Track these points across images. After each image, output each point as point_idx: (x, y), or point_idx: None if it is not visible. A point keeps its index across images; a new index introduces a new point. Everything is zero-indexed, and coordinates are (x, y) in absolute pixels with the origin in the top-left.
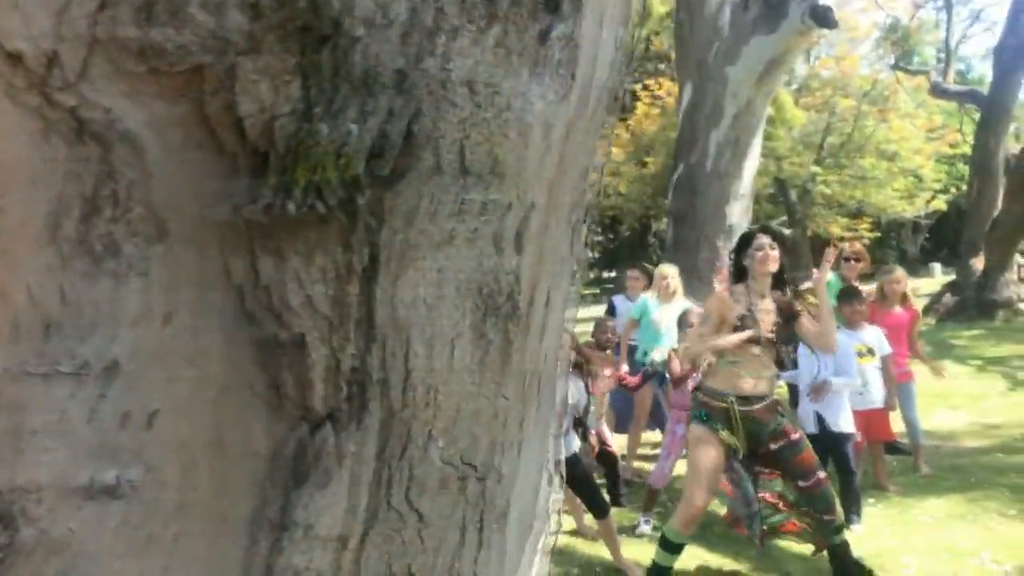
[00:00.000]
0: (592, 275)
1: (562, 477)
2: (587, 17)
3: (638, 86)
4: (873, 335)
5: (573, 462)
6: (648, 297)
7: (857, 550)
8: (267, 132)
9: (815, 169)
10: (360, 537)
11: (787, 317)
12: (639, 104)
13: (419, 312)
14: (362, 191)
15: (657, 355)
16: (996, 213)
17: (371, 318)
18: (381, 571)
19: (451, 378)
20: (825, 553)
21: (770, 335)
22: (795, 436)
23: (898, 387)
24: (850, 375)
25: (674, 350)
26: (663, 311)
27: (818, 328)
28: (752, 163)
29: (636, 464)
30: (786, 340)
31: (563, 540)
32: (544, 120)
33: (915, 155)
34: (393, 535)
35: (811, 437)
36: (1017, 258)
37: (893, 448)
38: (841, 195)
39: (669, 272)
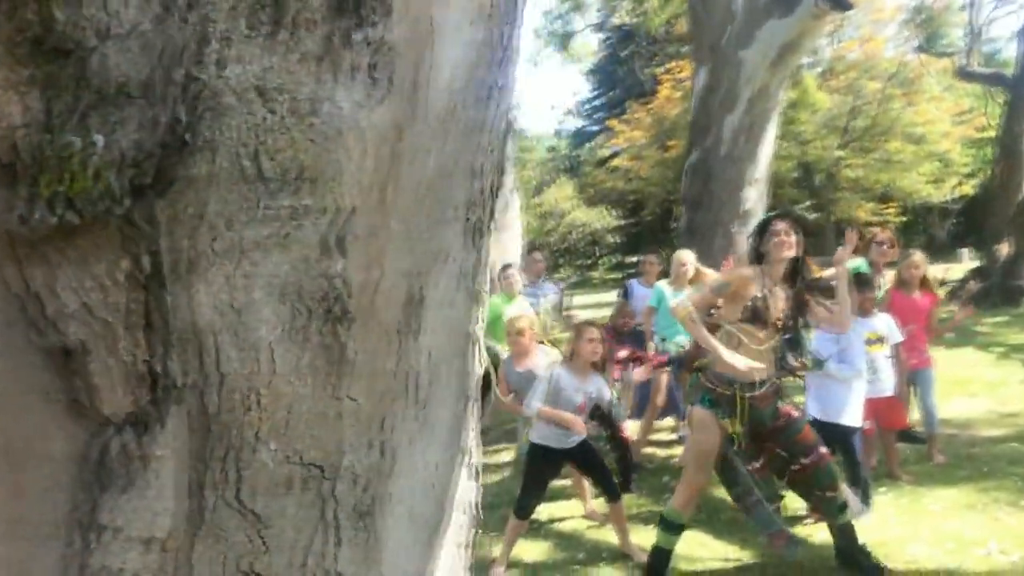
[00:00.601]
0: (615, 260)
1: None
2: (407, 21)
3: (660, 69)
4: (884, 323)
5: (587, 447)
6: (663, 284)
7: (864, 538)
8: (11, 144)
9: (840, 153)
10: (190, 537)
11: (799, 306)
12: (661, 87)
13: (227, 317)
14: (119, 201)
15: (672, 346)
16: (1022, 197)
17: (166, 324)
18: (217, 571)
19: (275, 380)
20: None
21: (778, 322)
22: (795, 415)
23: (917, 374)
24: (854, 365)
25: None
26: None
27: (830, 313)
28: (767, 148)
29: (647, 450)
30: (794, 344)
31: (570, 525)
32: (357, 125)
33: (942, 139)
34: (226, 535)
35: (814, 424)
36: None
37: (907, 436)
38: (867, 179)
39: (687, 259)
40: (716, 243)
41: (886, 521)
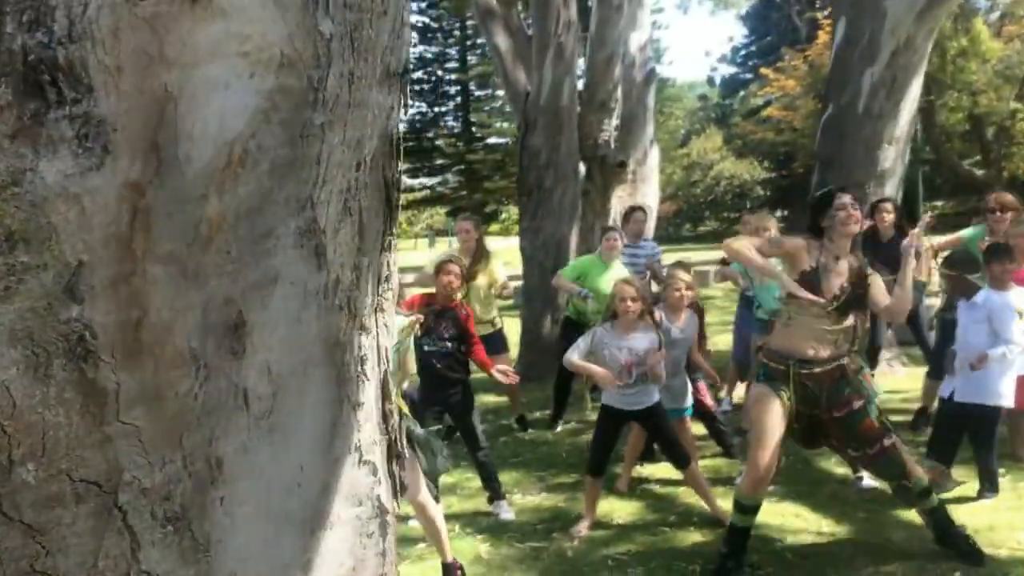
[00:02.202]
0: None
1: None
2: (120, 94)
3: (820, 14)
4: (1021, 296)
5: (654, 411)
6: None
7: (971, 521)
8: None
9: (1016, 105)
10: None
11: (858, 283)
12: (820, 33)
13: None
14: None
15: (762, 312)
16: None
17: None
18: None
19: (18, 412)
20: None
21: (834, 299)
22: (857, 405)
23: None
24: (1007, 339)
25: None
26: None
27: (889, 299)
28: (910, 105)
29: None
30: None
31: (663, 489)
32: (66, 191)
33: None
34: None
35: (954, 407)
36: None
37: None
38: None
39: (769, 224)
40: None
41: (997, 506)
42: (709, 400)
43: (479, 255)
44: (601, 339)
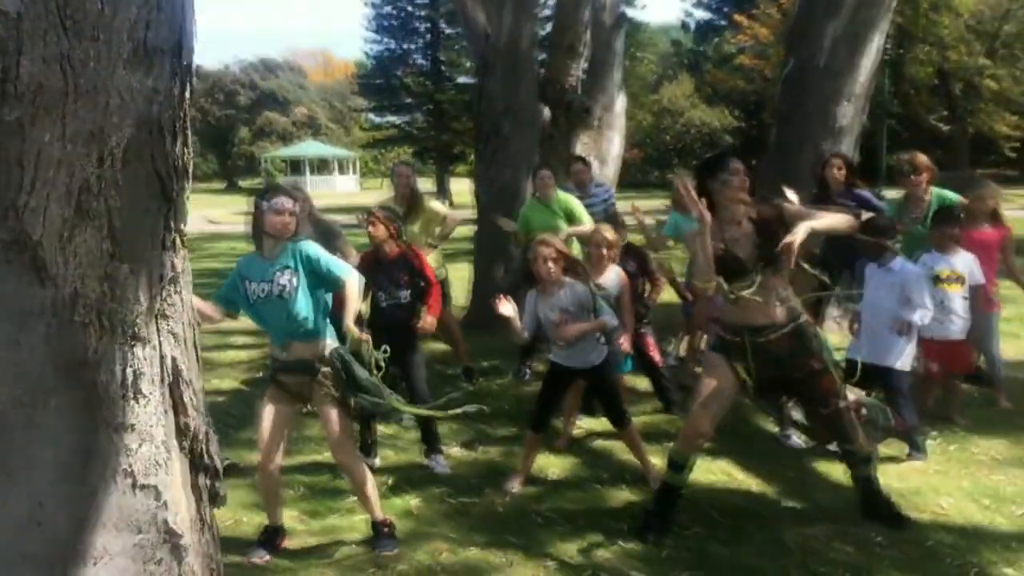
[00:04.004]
0: None
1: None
2: None
3: None
4: (965, 262)
5: (600, 370)
6: (677, 212)
7: (900, 484)
8: None
9: (985, 61)
10: None
11: (769, 231)
12: None
13: None
14: None
15: None
16: None
17: None
18: None
19: None
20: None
21: (758, 259)
22: (816, 366)
23: (980, 316)
24: (923, 305)
25: None
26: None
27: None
28: (870, 61)
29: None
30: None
31: (599, 445)
32: None
33: None
34: None
35: (859, 367)
36: None
37: (976, 378)
38: (1012, 91)
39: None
40: (804, 160)
41: (925, 469)
42: (656, 354)
43: (414, 201)
44: (533, 304)
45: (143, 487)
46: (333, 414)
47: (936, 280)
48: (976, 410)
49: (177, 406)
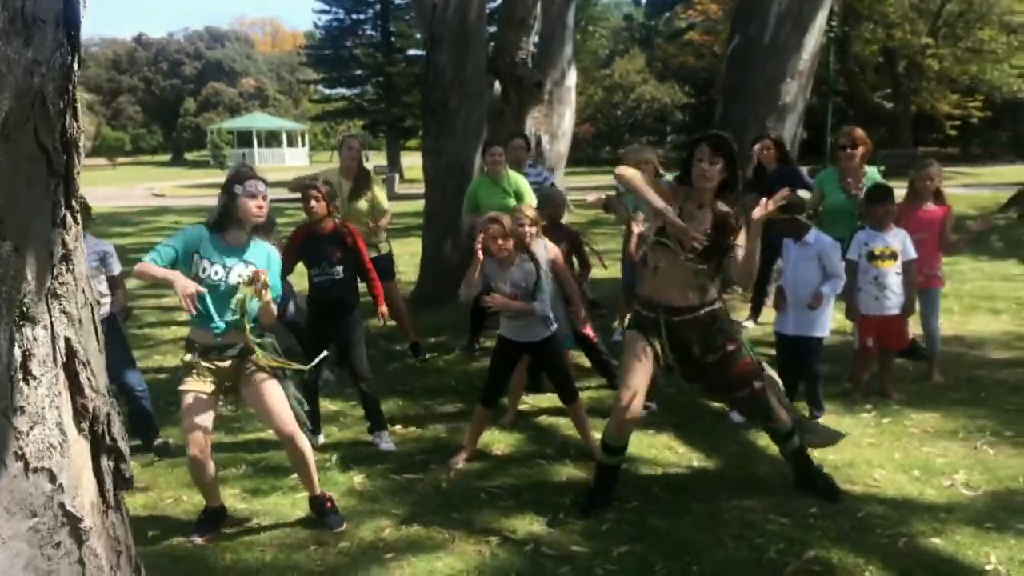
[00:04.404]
0: (682, 138)
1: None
2: None
3: None
4: (899, 238)
5: (548, 345)
6: None
7: (834, 457)
8: None
9: (927, 40)
10: None
11: (721, 230)
12: None
13: None
14: None
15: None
16: None
17: None
18: None
19: None
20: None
21: (698, 244)
22: (731, 348)
23: (923, 292)
24: (837, 275)
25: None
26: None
27: (741, 266)
28: (814, 39)
29: None
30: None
31: (545, 421)
32: None
33: None
34: None
35: (788, 340)
36: None
37: (910, 352)
38: (953, 70)
39: (650, 157)
40: (748, 137)
41: (859, 442)
42: (590, 331)
43: (361, 176)
44: (488, 272)
45: (36, 470)
46: (269, 386)
47: (871, 257)
48: (910, 385)
49: (74, 387)
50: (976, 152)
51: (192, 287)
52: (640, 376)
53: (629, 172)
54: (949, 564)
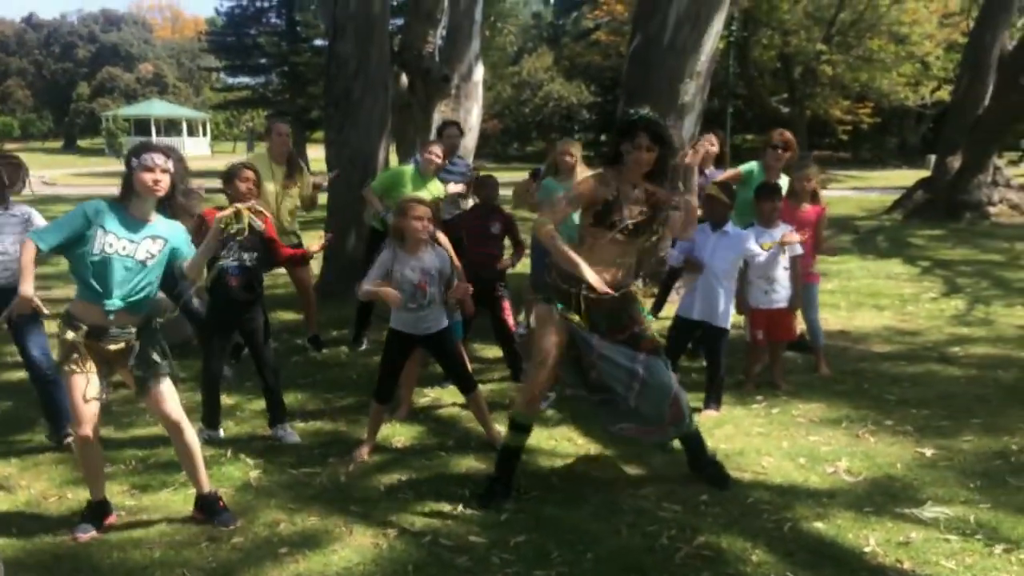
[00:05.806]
0: (589, 137)
1: None
2: None
3: None
4: (785, 234)
5: (443, 336)
6: (550, 178)
7: (725, 445)
8: None
9: (821, 47)
10: None
11: (656, 209)
12: None
13: None
14: None
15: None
16: (980, 112)
17: None
18: None
19: None
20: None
21: (633, 224)
22: (638, 329)
23: (802, 288)
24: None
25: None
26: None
27: (682, 219)
28: (712, 41)
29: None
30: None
31: (450, 411)
32: None
33: (925, 41)
34: None
35: (690, 324)
36: (994, 160)
37: (799, 346)
38: (845, 76)
39: (573, 150)
40: None
41: (750, 431)
42: (511, 319)
43: (292, 162)
44: (391, 260)
45: None
46: (159, 376)
47: None
48: (798, 376)
49: None
50: (866, 156)
51: None
52: (552, 352)
53: (545, 231)
54: (831, 547)
